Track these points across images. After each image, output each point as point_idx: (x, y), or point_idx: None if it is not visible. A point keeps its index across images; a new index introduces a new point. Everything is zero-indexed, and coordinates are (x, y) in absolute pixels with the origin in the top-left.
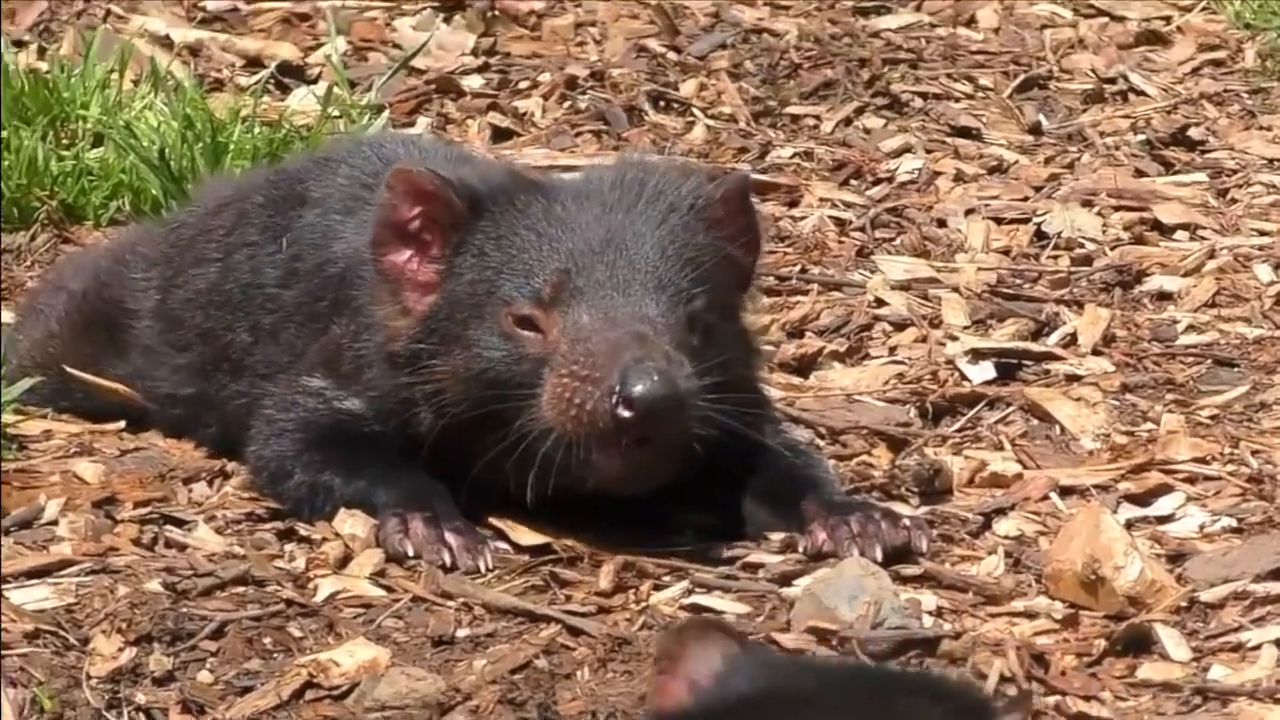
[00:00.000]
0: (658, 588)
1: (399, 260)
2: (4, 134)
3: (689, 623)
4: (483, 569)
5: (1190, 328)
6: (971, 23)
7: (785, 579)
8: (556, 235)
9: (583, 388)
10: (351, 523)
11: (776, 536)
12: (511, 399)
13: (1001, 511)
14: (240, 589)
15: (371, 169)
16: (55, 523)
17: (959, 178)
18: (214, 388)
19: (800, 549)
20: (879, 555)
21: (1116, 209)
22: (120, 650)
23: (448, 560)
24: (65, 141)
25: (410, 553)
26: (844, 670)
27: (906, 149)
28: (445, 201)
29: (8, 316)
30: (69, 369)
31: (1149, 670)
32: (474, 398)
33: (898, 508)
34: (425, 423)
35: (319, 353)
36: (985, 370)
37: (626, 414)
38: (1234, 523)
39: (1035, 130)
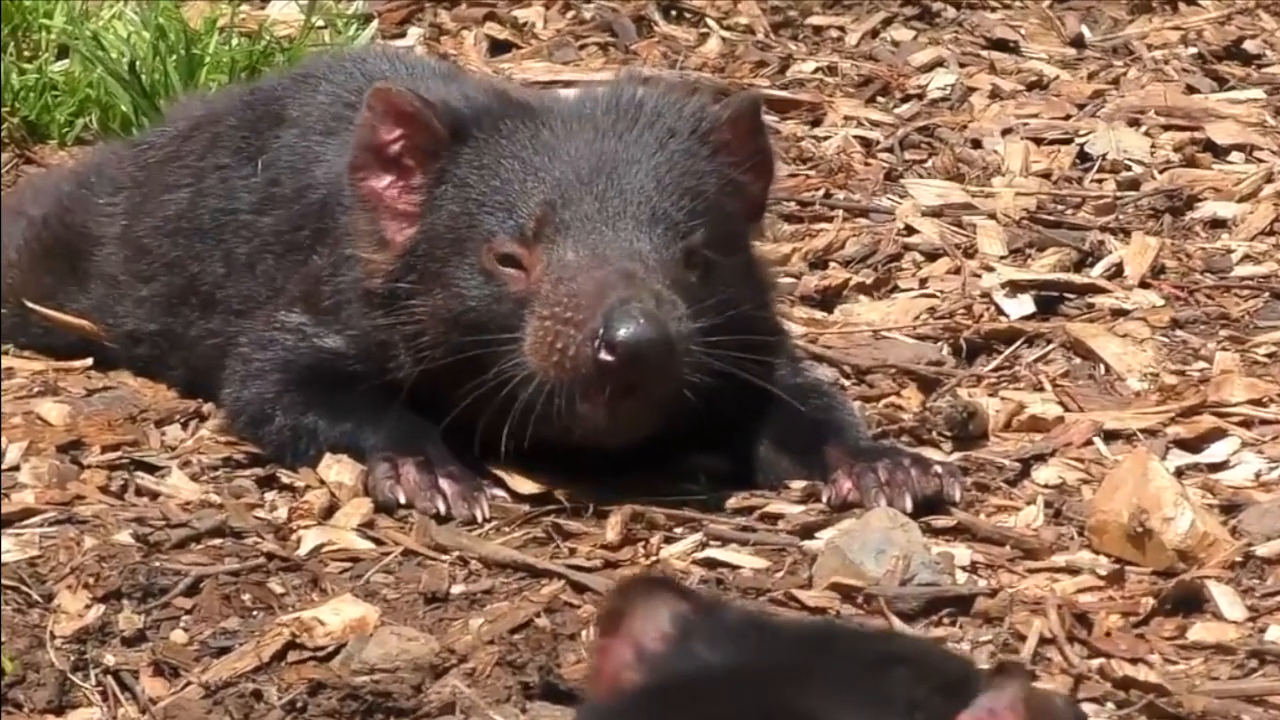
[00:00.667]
0: (669, 540)
1: (378, 186)
2: None
3: (633, 579)
4: (479, 519)
5: (1246, 258)
6: None
7: (807, 531)
8: (543, 164)
9: (564, 331)
10: (338, 469)
11: (797, 485)
12: (493, 342)
13: (1041, 458)
14: (217, 541)
15: (354, 86)
16: (17, 468)
17: (995, 94)
18: (181, 324)
19: (824, 499)
20: (908, 505)
21: (1165, 129)
22: (87, 607)
23: (442, 508)
24: (27, 54)
25: (401, 500)
26: (815, 636)
27: (938, 63)
28: (426, 125)
29: None
30: (29, 303)
31: (1201, 631)
32: (454, 340)
33: (929, 454)
34: (405, 366)
35: (298, 286)
36: (1024, 304)
37: (609, 359)
38: None
39: (1078, 43)
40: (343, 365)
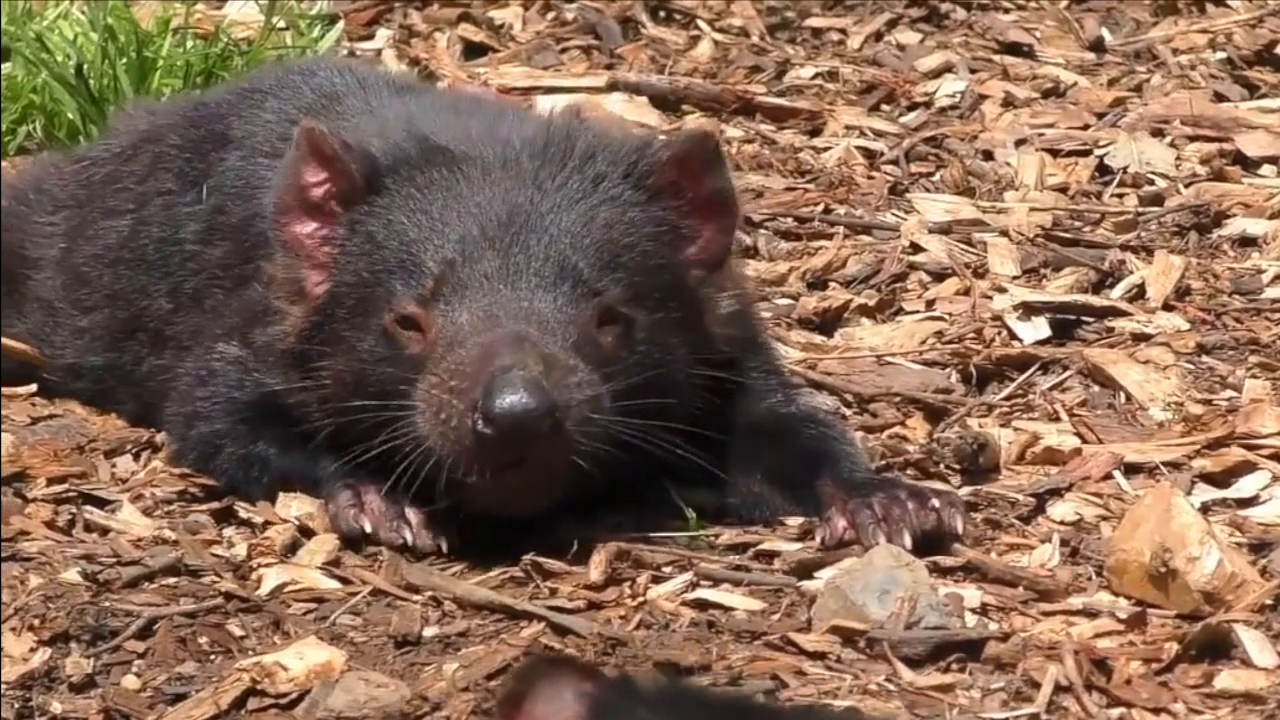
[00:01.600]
0: (656, 580)
1: (300, 231)
2: None
3: (532, 662)
4: (444, 549)
5: (1277, 278)
6: None
7: (805, 570)
8: (449, 219)
9: (448, 400)
10: (298, 504)
11: (794, 521)
12: (390, 407)
13: (1057, 493)
14: (172, 580)
15: (302, 103)
16: None
17: (1008, 102)
18: (129, 360)
19: (818, 538)
20: (908, 542)
21: (1192, 139)
22: (32, 651)
23: (408, 538)
24: None
25: (367, 529)
26: (737, 709)
27: (947, 68)
28: (344, 172)
29: None
30: None
31: (1228, 678)
32: (354, 404)
33: (936, 488)
34: (319, 424)
35: (236, 316)
36: (1038, 328)
37: (488, 431)
38: None
39: (1097, 47)
40: (284, 401)
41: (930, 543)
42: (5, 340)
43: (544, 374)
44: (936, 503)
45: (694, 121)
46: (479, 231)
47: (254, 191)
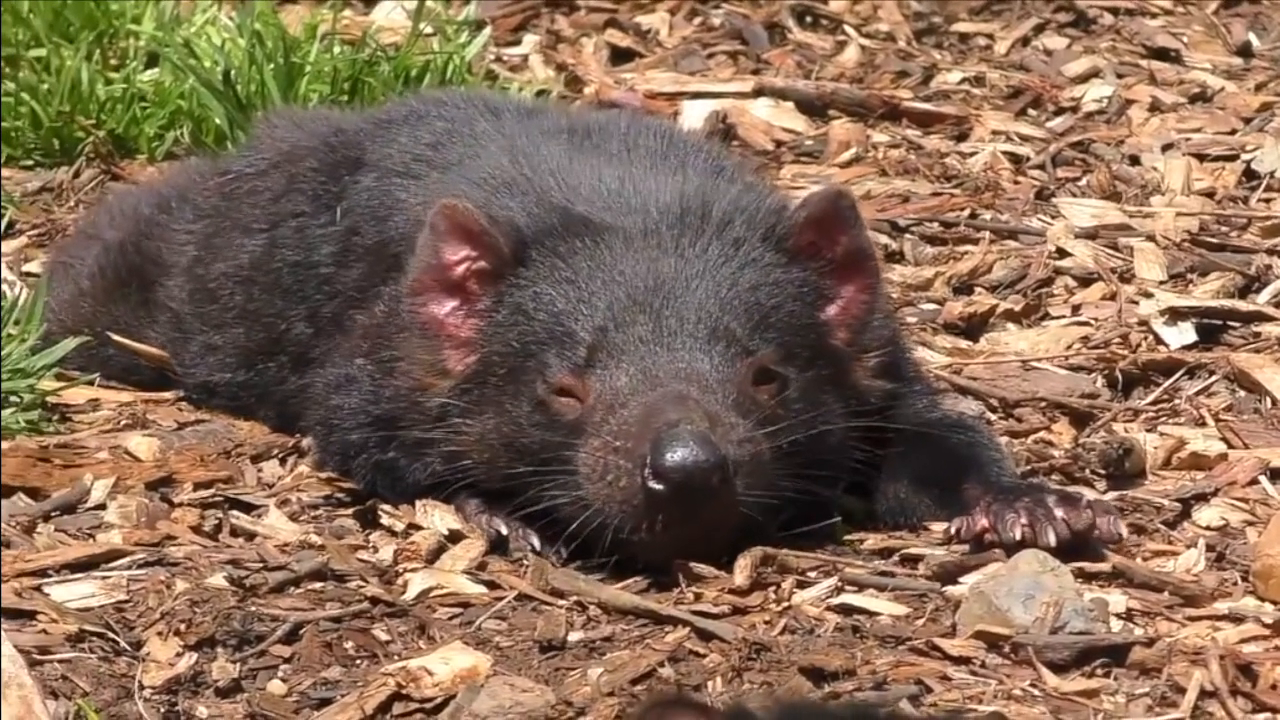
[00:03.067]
0: (801, 585)
1: (439, 313)
2: (44, 53)
3: (653, 701)
4: (562, 555)
5: None
6: None
7: (949, 575)
8: (597, 288)
9: (614, 460)
10: (440, 514)
11: (938, 526)
12: (544, 471)
13: (1203, 498)
14: (317, 585)
15: (435, 130)
16: (103, 506)
17: (1155, 107)
18: (270, 380)
19: (952, 530)
20: (1052, 541)
21: None
22: (178, 655)
23: (535, 544)
24: (114, 62)
25: (503, 531)
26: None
27: (1094, 73)
28: (491, 247)
29: (37, 268)
30: (112, 335)
31: None
32: (502, 465)
33: (1086, 495)
34: (446, 476)
35: (369, 335)
36: (1184, 333)
37: (659, 487)
38: None
39: (1244, 51)
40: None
41: (1077, 548)
42: (145, 347)
43: (709, 429)
44: (1090, 507)
45: (840, 126)
46: (627, 297)
47: (388, 212)
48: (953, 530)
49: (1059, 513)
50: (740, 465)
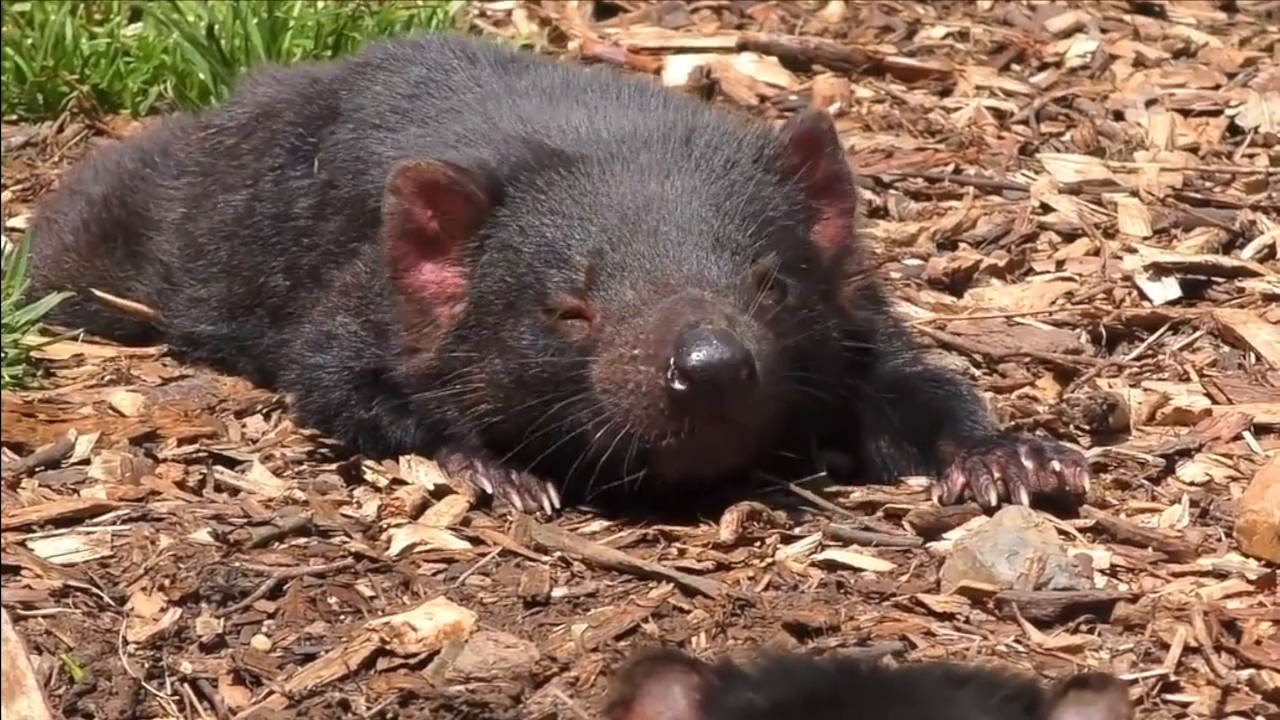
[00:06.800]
0: (786, 540)
1: (421, 277)
2: (27, 7)
3: (640, 658)
4: (548, 509)
5: None
6: None
7: (933, 531)
8: (585, 214)
9: (634, 367)
10: (425, 470)
11: (919, 481)
12: (559, 398)
13: (1187, 453)
14: (301, 540)
15: (410, 77)
16: (87, 461)
17: (1139, 62)
18: (248, 332)
19: (935, 496)
20: (1025, 499)
21: None
22: (162, 611)
23: (516, 504)
24: (98, 16)
25: (487, 489)
26: (851, 669)
27: (1078, 28)
28: (464, 195)
29: (22, 224)
30: (95, 291)
31: None
32: (517, 401)
33: (1059, 445)
34: (464, 429)
35: (351, 292)
36: (1169, 288)
37: (684, 387)
38: None
39: (1229, 6)
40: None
41: (1055, 502)
42: (129, 302)
43: (730, 327)
44: (1058, 464)
45: (824, 81)
46: (619, 220)
47: (365, 166)
48: (935, 497)
49: (1029, 465)
50: (761, 360)
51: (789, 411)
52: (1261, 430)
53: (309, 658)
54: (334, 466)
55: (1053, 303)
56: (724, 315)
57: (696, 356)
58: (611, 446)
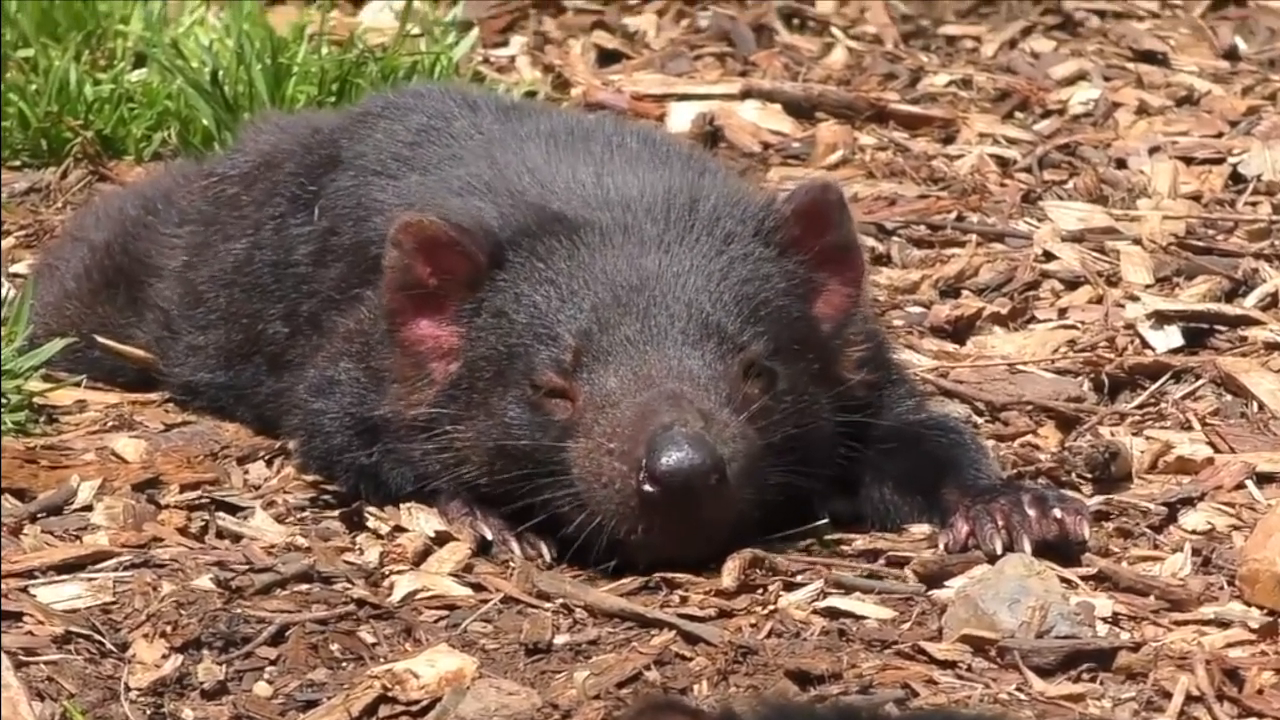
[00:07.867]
0: (788, 587)
1: (418, 331)
2: (31, 53)
3: (642, 705)
4: (546, 558)
5: None
6: None
7: (936, 579)
8: (579, 288)
9: (609, 463)
10: (426, 517)
11: (922, 529)
12: (539, 474)
13: (1189, 502)
14: (304, 586)
15: (411, 125)
16: (90, 508)
17: (1142, 110)
18: (246, 381)
19: (940, 544)
20: (1028, 549)
21: None
22: (164, 657)
23: (516, 551)
24: (102, 62)
25: (488, 535)
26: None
27: (1081, 76)
28: (465, 255)
29: (25, 270)
30: (98, 338)
31: None
32: (500, 471)
33: (1062, 494)
34: (444, 484)
35: (353, 339)
36: (1171, 337)
37: (653, 490)
38: None
39: (1231, 55)
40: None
41: (1058, 550)
42: (131, 349)
43: (704, 429)
44: (1059, 511)
45: (827, 129)
46: (611, 297)
47: (366, 213)
48: (940, 545)
49: (1032, 513)
50: (734, 465)
51: (783, 487)
52: (1264, 479)
53: (311, 705)
54: (336, 513)
55: (1055, 351)
56: (700, 414)
57: (666, 461)
58: (584, 531)
